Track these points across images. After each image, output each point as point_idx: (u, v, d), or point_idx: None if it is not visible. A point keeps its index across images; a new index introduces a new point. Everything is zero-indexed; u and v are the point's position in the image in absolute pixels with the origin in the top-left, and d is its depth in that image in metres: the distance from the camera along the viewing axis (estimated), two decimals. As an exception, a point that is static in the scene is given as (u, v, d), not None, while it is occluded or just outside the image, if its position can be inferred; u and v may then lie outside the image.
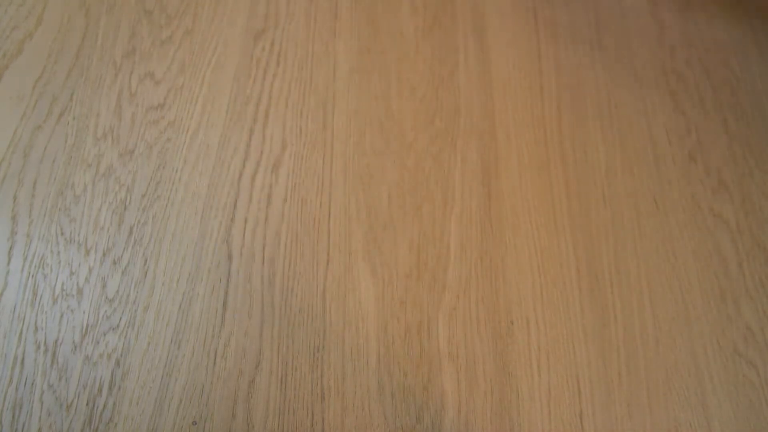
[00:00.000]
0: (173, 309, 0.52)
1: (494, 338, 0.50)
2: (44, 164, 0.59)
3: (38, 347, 0.51)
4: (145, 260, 0.54)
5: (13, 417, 0.49)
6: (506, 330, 0.51)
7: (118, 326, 0.52)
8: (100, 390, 0.50)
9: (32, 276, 0.54)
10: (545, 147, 0.58)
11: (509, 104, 0.60)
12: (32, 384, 0.50)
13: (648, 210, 0.55)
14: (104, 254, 0.55)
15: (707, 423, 0.47)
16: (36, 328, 0.52)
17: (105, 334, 0.52)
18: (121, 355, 0.51)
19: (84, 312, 0.53)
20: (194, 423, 0.48)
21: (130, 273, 0.54)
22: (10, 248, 0.55)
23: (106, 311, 0.53)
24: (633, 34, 0.64)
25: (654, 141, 0.57)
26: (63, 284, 0.54)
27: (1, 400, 0.50)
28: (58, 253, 0.55)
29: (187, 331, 0.52)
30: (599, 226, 0.54)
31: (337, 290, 0.53)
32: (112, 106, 0.62)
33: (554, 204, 0.55)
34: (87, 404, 0.49)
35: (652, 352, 0.49)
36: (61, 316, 0.52)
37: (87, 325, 0.52)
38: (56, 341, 0.52)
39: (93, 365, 0.51)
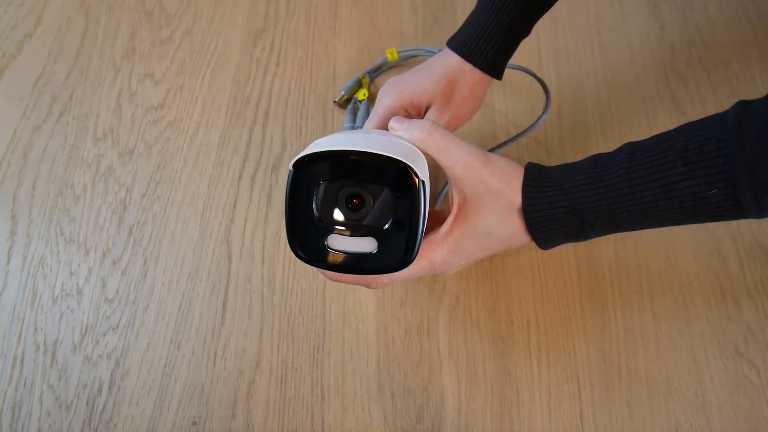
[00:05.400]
0: (173, 309, 0.52)
1: (494, 338, 0.50)
2: (44, 164, 0.59)
3: (38, 347, 0.51)
4: (145, 260, 0.54)
5: (13, 417, 0.49)
6: (506, 330, 0.50)
7: (117, 326, 0.52)
8: (99, 390, 0.50)
9: (32, 276, 0.54)
10: (545, 147, 0.58)
11: (509, 104, 0.60)
12: (32, 384, 0.50)
13: (648, 210, 0.55)
14: (104, 254, 0.55)
15: (707, 423, 0.47)
16: (36, 328, 0.52)
17: (105, 334, 0.52)
18: (121, 355, 0.51)
19: (84, 312, 0.53)
20: (194, 423, 0.48)
21: (130, 273, 0.54)
22: (10, 248, 0.55)
23: (105, 311, 0.53)
24: (633, 34, 0.64)
25: (654, 141, 0.57)
26: (63, 284, 0.54)
27: (0, 401, 0.50)
28: (58, 253, 0.55)
29: (186, 331, 0.52)
30: (599, 226, 0.54)
31: (337, 290, 0.53)
32: (112, 106, 0.62)
33: (554, 204, 0.55)
34: (87, 404, 0.49)
35: (652, 352, 0.49)
36: (61, 316, 0.52)
37: (87, 325, 0.52)
38: (56, 341, 0.52)
39: (93, 365, 0.51)
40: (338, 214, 0.34)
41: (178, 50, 0.65)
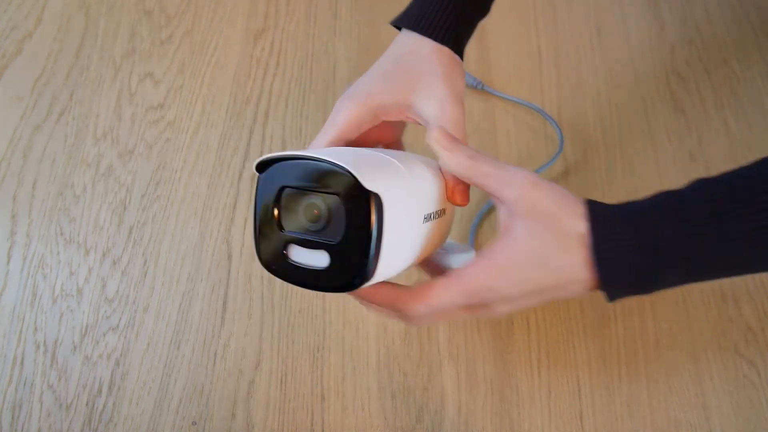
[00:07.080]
0: (173, 309, 0.52)
1: (494, 338, 0.50)
2: (44, 164, 0.59)
3: (38, 347, 0.51)
4: (145, 260, 0.54)
5: (13, 417, 0.49)
6: (506, 330, 0.50)
7: (117, 326, 0.52)
8: (99, 390, 0.50)
9: (32, 276, 0.54)
10: (545, 147, 0.58)
11: (509, 104, 0.60)
12: (32, 384, 0.50)
13: (648, 210, 0.55)
14: (104, 254, 0.55)
15: (707, 423, 0.47)
16: (35, 329, 0.52)
17: (105, 335, 0.52)
18: (121, 356, 0.51)
19: (84, 312, 0.53)
20: (194, 423, 0.48)
21: (130, 273, 0.54)
22: (10, 248, 0.55)
23: (105, 311, 0.53)
24: (633, 34, 0.64)
25: (654, 141, 0.57)
26: (62, 284, 0.54)
27: (0, 400, 0.50)
28: (58, 253, 0.55)
29: (186, 331, 0.52)
30: (599, 226, 0.54)
31: (337, 290, 0.53)
32: (112, 106, 0.62)
33: (554, 204, 0.55)
34: (87, 404, 0.49)
35: (652, 352, 0.49)
36: (61, 316, 0.52)
37: (87, 326, 0.52)
38: (56, 341, 0.52)
39: (93, 365, 0.51)
40: (296, 224, 0.32)
41: (178, 50, 0.65)
